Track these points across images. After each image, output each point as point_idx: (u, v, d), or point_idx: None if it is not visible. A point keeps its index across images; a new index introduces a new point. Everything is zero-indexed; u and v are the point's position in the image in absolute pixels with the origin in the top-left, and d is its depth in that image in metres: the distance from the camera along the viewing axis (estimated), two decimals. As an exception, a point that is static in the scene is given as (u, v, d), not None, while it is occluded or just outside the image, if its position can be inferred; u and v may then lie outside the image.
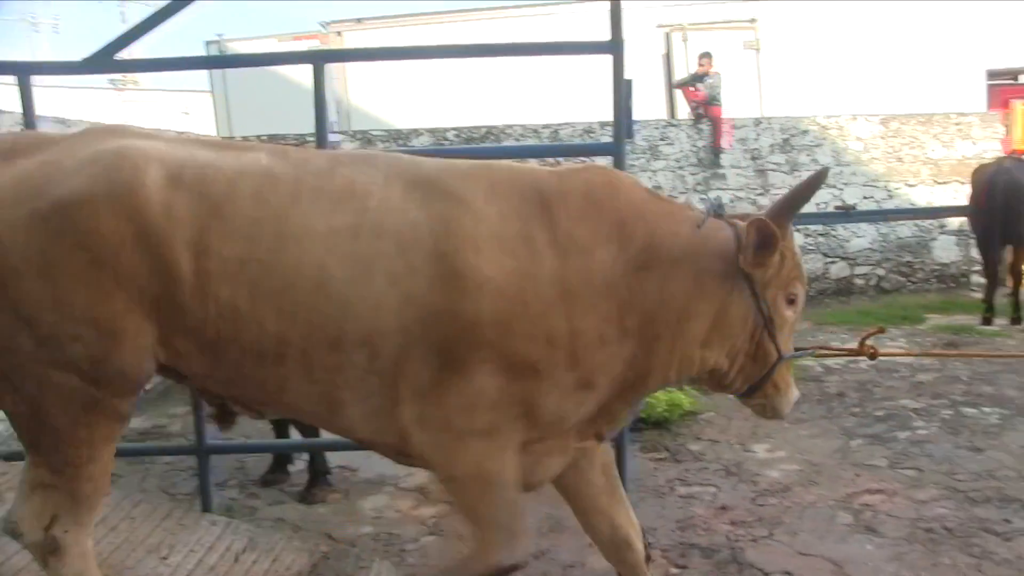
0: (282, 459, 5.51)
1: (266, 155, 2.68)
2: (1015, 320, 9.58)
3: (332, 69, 13.32)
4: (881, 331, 3.29)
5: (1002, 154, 11.27)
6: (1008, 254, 9.79)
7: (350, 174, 2.65)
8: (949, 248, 12.40)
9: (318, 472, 5.24)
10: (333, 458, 5.41)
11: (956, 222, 11.94)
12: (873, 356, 3.34)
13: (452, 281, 2.55)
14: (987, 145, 12.32)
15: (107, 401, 2.56)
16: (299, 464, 5.50)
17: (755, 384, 2.93)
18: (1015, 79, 16.35)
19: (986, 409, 6.47)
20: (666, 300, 2.72)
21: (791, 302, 2.92)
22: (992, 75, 15.78)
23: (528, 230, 2.64)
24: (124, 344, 2.52)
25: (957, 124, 12.46)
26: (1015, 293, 9.74)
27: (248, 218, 2.52)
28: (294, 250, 2.51)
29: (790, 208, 2.85)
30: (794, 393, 3.02)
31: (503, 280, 2.57)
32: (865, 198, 12.15)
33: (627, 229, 2.73)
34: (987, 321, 9.60)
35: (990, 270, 9.79)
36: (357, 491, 5.27)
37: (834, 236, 12.12)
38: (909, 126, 12.33)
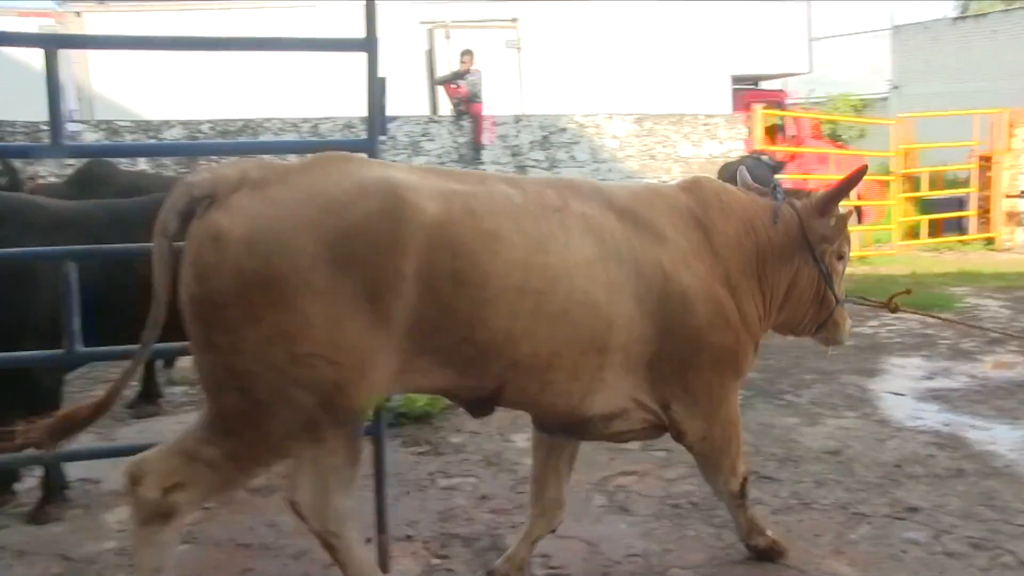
0: (6, 477, 4.98)
1: (509, 188, 3.01)
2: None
3: (71, 52, 12.47)
4: (908, 292, 4.28)
5: (744, 153, 12.05)
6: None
7: (581, 208, 3.10)
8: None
9: (53, 487, 4.77)
10: (72, 470, 4.98)
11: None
12: (895, 310, 4.35)
13: (677, 297, 3.20)
14: (732, 145, 13.15)
15: (325, 427, 2.73)
16: (31, 480, 5.02)
17: (821, 324, 3.77)
18: (756, 84, 17.59)
19: (736, 391, 6.85)
20: (772, 274, 3.52)
21: (840, 258, 3.77)
22: (737, 80, 16.97)
23: (699, 246, 3.31)
24: (366, 378, 2.70)
25: (705, 125, 13.22)
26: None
27: (518, 252, 2.84)
28: (566, 281, 2.93)
29: (838, 197, 3.66)
30: (849, 325, 3.88)
31: (703, 290, 3.26)
32: (622, 194, 12.61)
33: (752, 224, 3.49)
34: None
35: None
36: (100, 504, 4.85)
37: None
38: (662, 125, 12.95)
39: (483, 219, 2.81)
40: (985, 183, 15.96)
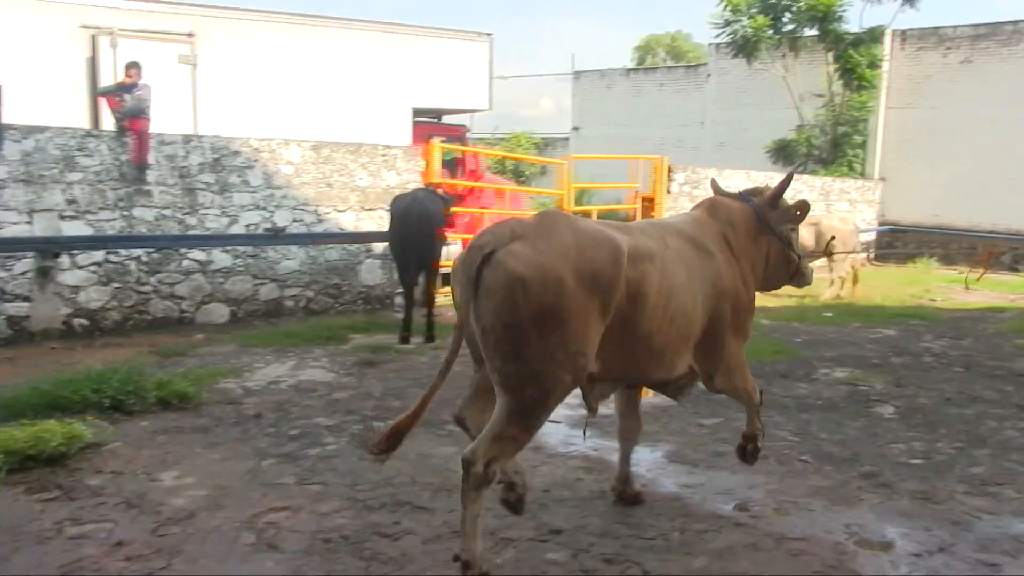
0: None
1: (660, 242, 4.46)
2: (429, 338, 10.47)
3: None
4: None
5: (421, 185, 12.28)
6: (422, 278, 10.67)
7: (675, 244, 4.53)
8: (374, 271, 13.20)
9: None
10: None
11: (381, 247, 12.71)
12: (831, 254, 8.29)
13: (720, 297, 4.66)
14: (410, 176, 13.35)
15: (571, 390, 4.04)
16: None
17: (791, 275, 5.32)
18: (439, 118, 17.97)
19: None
20: (758, 256, 5.06)
21: (792, 229, 5.30)
22: (418, 113, 17.26)
23: (728, 256, 4.82)
24: (591, 358, 3.99)
25: (384, 155, 13.34)
26: (429, 315, 10.65)
27: (663, 277, 4.27)
28: (680, 293, 4.36)
29: (780, 192, 5.21)
30: (811, 270, 5.53)
31: (733, 289, 4.76)
32: (295, 221, 12.49)
33: (746, 226, 4.99)
34: (404, 340, 10.36)
35: (407, 292, 10.61)
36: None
37: (264, 258, 12.27)
38: (339, 154, 12.91)
39: (648, 262, 4.25)
40: (646, 223, 16.99)
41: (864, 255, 20.30)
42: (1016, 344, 10.72)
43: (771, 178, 19.89)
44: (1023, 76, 23.21)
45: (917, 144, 24.87)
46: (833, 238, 13.86)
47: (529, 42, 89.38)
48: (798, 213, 5.24)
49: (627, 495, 5.18)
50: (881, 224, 24.43)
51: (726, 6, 24.34)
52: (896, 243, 24.55)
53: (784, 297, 12.97)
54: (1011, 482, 5.82)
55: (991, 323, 11.94)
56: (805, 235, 13.97)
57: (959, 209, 23.58)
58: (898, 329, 11.58)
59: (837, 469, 6.00)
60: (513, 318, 3.74)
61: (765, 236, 5.09)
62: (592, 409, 4.43)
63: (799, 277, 5.37)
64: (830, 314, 12.67)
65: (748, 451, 5.19)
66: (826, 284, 14.71)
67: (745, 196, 5.22)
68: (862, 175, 24.92)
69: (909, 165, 24.87)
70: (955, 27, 24.55)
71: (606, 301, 3.95)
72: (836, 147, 24.80)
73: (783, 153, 24.86)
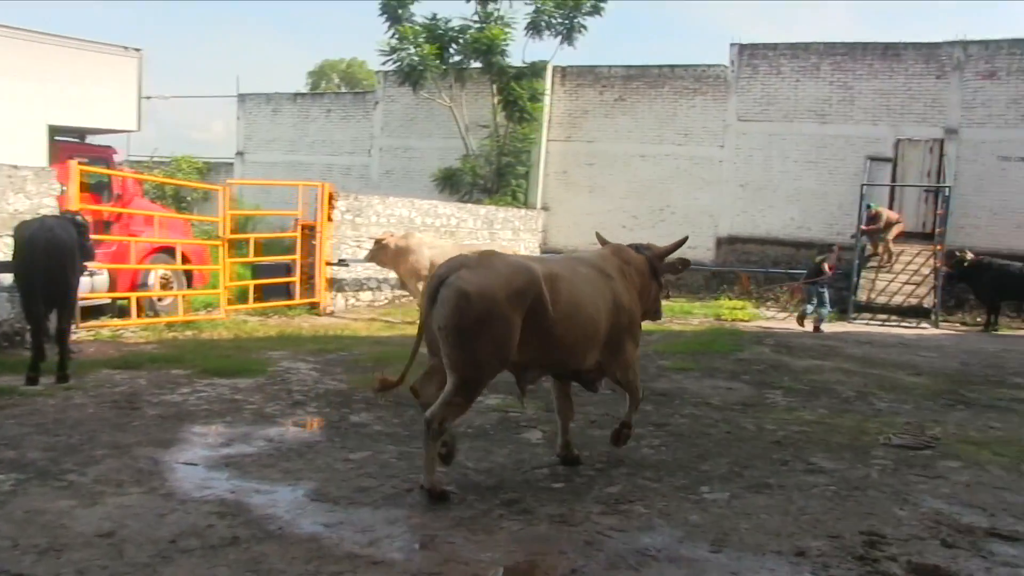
0: None
1: (569, 270, 6.31)
2: (61, 378, 9.56)
3: None
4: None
5: (58, 211, 11.29)
6: (55, 312, 9.74)
7: (585, 271, 6.41)
8: (1, 305, 11.91)
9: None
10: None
11: (8, 278, 11.52)
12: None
13: (620, 309, 6.45)
14: (44, 200, 12.21)
15: (499, 372, 5.96)
16: None
17: (655, 312, 7.28)
18: (82, 138, 16.63)
19: (1, 476, 6.18)
20: (644, 291, 6.84)
21: (664, 280, 7.25)
22: (56, 131, 15.83)
23: (627, 281, 6.66)
24: (513, 350, 5.75)
25: (10, 177, 12.11)
26: (61, 352, 9.71)
27: (569, 293, 6.06)
28: (586, 304, 6.18)
29: (671, 251, 7.26)
30: (662, 308, 7.61)
31: (628, 304, 6.55)
32: (-103, 250, 11.04)
33: (639, 269, 6.87)
34: (32, 381, 9.38)
35: (35, 328, 9.63)
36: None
37: None
38: (-44, 174, 11.59)
39: (557, 281, 5.96)
40: (309, 251, 16.84)
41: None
42: (660, 365, 11.36)
43: (435, 207, 20.54)
44: (668, 115, 25.27)
45: (576, 175, 26.28)
46: None
47: (200, 60, 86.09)
48: (679, 267, 7.43)
49: (569, 458, 6.81)
50: (543, 252, 25.30)
51: (394, 34, 24.60)
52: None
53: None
54: (642, 499, 6.09)
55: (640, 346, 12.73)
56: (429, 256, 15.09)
57: (615, 237, 23.93)
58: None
59: (481, 498, 6.03)
60: (460, 321, 5.52)
61: (652, 280, 6.98)
62: (523, 391, 6.42)
63: (658, 313, 7.40)
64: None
65: (622, 435, 6.93)
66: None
67: (641, 248, 7.12)
68: (525, 204, 25.84)
69: (570, 194, 26.23)
70: (610, 67, 26.24)
71: (524, 310, 5.68)
72: (500, 176, 25.57)
73: (449, 182, 25.45)
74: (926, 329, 18.62)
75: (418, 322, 6.11)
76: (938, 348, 15.13)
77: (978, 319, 20.27)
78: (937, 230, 21.60)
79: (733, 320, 18.35)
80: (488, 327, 5.58)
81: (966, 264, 19.61)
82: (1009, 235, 21.89)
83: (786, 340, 15.06)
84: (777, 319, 19.22)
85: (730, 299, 22.27)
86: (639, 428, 7.64)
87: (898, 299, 20.43)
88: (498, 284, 5.63)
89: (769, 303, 22.48)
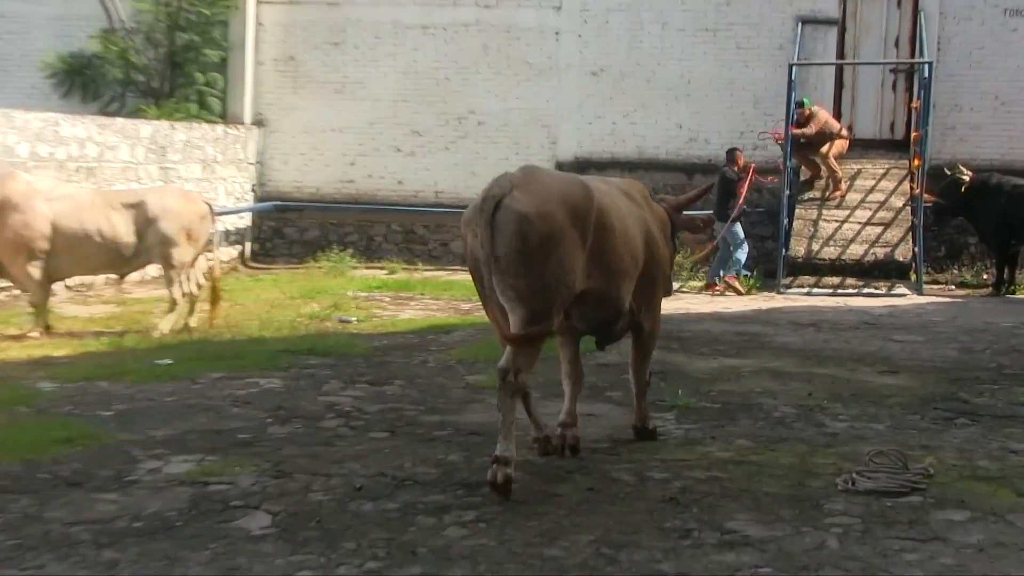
0: None
1: (604, 184, 6.22)
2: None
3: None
4: None
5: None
6: None
7: (618, 194, 6.20)
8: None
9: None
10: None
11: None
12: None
13: (653, 241, 6.29)
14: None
15: (567, 302, 5.68)
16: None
17: (666, 281, 7.10)
18: None
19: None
20: (663, 231, 6.76)
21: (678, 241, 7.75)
22: None
23: (651, 214, 6.48)
24: (580, 276, 5.67)
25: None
26: None
27: (618, 216, 5.89)
28: (629, 225, 6.00)
29: (689, 203, 7.27)
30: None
31: (660, 238, 6.43)
32: None
33: (666, 222, 6.75)
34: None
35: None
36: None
37: None
38: None
39: (608, 202, 5.99)
40: None
41: (229, 255, 17.51)
42: (469, 381, 8.91)
43: (54, 124, 14.56)
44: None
45: (311, 63, 18.93)
46: None
47: None
48: (700, 226, 8.05)
49: (568, 434, 6.54)
50: (259, 200, 18.70)
51: None
52: (287, 229, 18.89)
53: (92, 339, 10.50)
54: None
55: (434, 351, 10.29)
56: (120, 222, 10.90)
57: (387, 166, 18.40)
58: (285, 377, 9.07)
59: None
60: (523, 245, 5.50)
61: (668, 226, 6.86)
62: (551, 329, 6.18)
63: (669, 284, 7.19)
64: (169, 361, 9.73)
65: (649, 433, 6.82)
66: (164, 309, 11.38)
67: (657, 198, 7.13)
68: (223, 118, 18.71)
69: (301, 98, 18.97)
70: None
71: (585, 229, 5.68)
72: (175, 69, 18.52)
73: (80, 79, 18.19)
74: (904, 297, 15.09)
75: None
76: (923, 327, 12.48)
77: (984, 276, 16.08)
78: (913, 134, 16.36)
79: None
80: (554, 249, 5.62)
81: (963, 188, 15.08)
82: (1017, 139, 16.58)
83: (678, 328, 11.88)
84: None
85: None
86: (436, 494, 5.99)
87: (856, 250, 15.92)
88: (556, 201, 5.71)
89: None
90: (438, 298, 14.30)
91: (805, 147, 15.88)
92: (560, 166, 17.44)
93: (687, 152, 17.48)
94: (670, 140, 17.67)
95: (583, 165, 17.36)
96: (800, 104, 15.74)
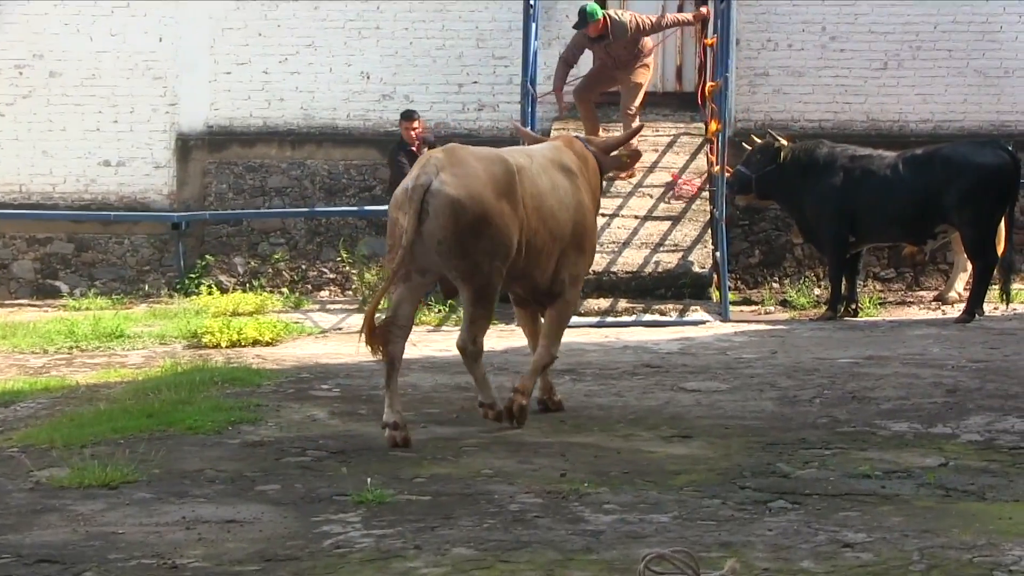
0: None
1: (526, 158, 6.65)
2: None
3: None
4: None
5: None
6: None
7: (542, 161, 6.70)
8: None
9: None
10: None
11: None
12: None
13: (581, 208, 6.77)
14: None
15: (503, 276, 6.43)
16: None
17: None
18: None
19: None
20: (594, 193, 7.35)
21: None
22: None
23: (582, 178, 6.92)
24: (515, 249, 6.32)
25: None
26: None
27: (535, 185, 6.43)
28: (547, 198, 6.49)
29: (618, 144, 7.71)
30: None
31: (588, 204, 6.91)
32: None
33: (589, 162, 7.15)
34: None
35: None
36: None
37: None
38: None
39: (531, 173, 6.58)
40: None
41: None
42: (39, 479, 6.93)
43: None
44: None
45: None
46: None
47: None
48: (628, 161, 8.13)
49: (552, 404, 7.25)
50: None
51: None
52: None
53: None
54: None
55: None
56: None
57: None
58: None
59: None
60: (457, 228, 6.17)
61: (597, 179, 7.37)
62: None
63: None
64: None
65: (515, 407, 6.92)
66: None
67: (585, 141, 7.59)
68: None
69: None
70: None
71: (514, 203, 6.31)
72: None
73: None
74: (702, 324, 12.00)
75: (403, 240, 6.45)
76: (728, 370, 10.34)
77: (816, 291, 13.12)
78: (708, 85, 12.93)
79: (233, 344, 11.37)
80: (486, 228, 6.24)
81: (782, 157, 11.70)
82: (855, 89, 13.49)
83: (368, 383, 9.46)
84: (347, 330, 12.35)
85: (225, 292, 13.22)
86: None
87: (633, 258, 12.54)
88: (483, 181, 6.28)
89: (328, 288, 14.53)
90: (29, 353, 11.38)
91: (599, 80, 12.03)
92: (184, 141, 12.74)
93: (379, 116, 13.35)
94: (353, 97, 13.59)
95: (221, 139, 12.72)
96: (586, 13, 11.50)
